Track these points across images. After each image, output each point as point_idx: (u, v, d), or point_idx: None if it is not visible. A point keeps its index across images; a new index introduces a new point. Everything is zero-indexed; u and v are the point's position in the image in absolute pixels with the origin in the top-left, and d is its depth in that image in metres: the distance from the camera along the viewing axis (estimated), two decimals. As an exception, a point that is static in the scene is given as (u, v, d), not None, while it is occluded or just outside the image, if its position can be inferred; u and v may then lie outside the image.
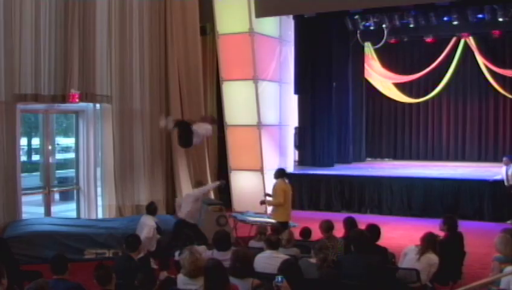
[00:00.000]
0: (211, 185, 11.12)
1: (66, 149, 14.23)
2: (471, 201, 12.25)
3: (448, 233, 6.75)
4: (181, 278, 4.87)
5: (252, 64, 13.17)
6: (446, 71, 16.60)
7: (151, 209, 8.43)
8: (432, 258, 5.83)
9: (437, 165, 15.78)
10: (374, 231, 6.50)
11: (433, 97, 17.20)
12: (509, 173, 11.53)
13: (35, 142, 13.00)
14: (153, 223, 8.07)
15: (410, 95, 17.44)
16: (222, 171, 14.25)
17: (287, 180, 9.15)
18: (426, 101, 17.40)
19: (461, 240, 6.84)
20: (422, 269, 5.75)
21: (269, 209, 10.66)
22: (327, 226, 6.66)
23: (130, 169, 12.19)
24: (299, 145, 15.68)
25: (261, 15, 13.05)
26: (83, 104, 11.37)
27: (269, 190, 12.88)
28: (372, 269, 5.27)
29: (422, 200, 12.77)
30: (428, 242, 5.95)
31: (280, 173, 9.06)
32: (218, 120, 14.32)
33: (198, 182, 9.76)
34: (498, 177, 11.95)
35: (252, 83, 13.27)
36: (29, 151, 13.93)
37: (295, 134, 15.47)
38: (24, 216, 10.53)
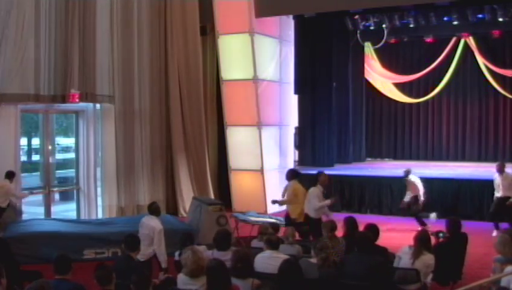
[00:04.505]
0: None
1: (66, 149, 14.25)
2: (471, 201, 12.25)
3: (451, 235, 6.76)
4: (181, 277, 4.86)
5: (252, 64, 13.17)
6: (446, 71, 16.58)
7: (154, 209, 7.74)
8: (427, 259, 5.74)
9: (437, 165, 15.77)
10: (373, 231, 6.50)
11: (433, 97, 17.19)
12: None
13: (35, 142, 13.00)
14: (161, 227, 7.46)
15: (410, 95, 17.43)
16: (222, 171, 14.26)
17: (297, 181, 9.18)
18: (426, 101, 17.39)
19: (465, 241, 6.84)
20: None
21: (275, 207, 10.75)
22: (331, 227, 6.66)
23: (131, 169, 12.21)
24: (299, 145, 15.67)
25: (261, 15, 13.05)
26: (83, 104, 11.38)
27: (269, 189, 13.07)
28: (376, 270, 5.26)
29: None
30: (422, 241, 5.86)
31: (292, 175, 9.14)
32: (218, 120, 14.34)
33: None
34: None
35: (252, 83, 13.27)
36: (29, 151, 13.94)
37: (295, 134, 15.46)
38: (24, 216, 10.55)
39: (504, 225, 10.24)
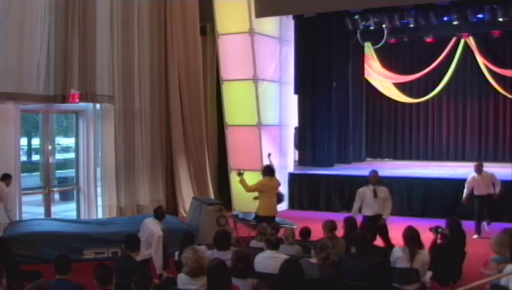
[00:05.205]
0: None
1: (66, 149, 14.23)
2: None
3: (450, 234, 6.78)
4: (182, 277, 4.85)
5: (252, 64, 13.16)
6: (446, 71, 16.59)
7: (160, 213, 7.79)
8: (423, 257, 5.73)
9: (437, 165, 15.77)
10: (370, 231, 6.51)
11: (433, 97, 17.21)
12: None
13: (35, 142, 13.00)
14: (161, 233, 7.50)
15: (410, 95, 17.44)
16: (222, 171, 14.25)
17: (273, 177, 9.17)
18: (426, 101, 17.40)
19: (463, 240, 6.84)
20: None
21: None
22: (331, 227, 6.66)
23: (131, 169, 12.21)
24: (299, 145, 15.67)
25: (261, 15, 13.04)
26: (83, 104, 11.38)
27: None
28: (375, 270, 5.26)
29: (422, 200, 12.77)
30: (412, 240, 5.80)
31: (265, 171, 9.15)
32: (218, 120, 14.33)
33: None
34: None
35: (252, 83, 13.26)
36: (29, 151, 13.92)
37: (295, 134, 15.46)
38: (24, 216, 10.54)
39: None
